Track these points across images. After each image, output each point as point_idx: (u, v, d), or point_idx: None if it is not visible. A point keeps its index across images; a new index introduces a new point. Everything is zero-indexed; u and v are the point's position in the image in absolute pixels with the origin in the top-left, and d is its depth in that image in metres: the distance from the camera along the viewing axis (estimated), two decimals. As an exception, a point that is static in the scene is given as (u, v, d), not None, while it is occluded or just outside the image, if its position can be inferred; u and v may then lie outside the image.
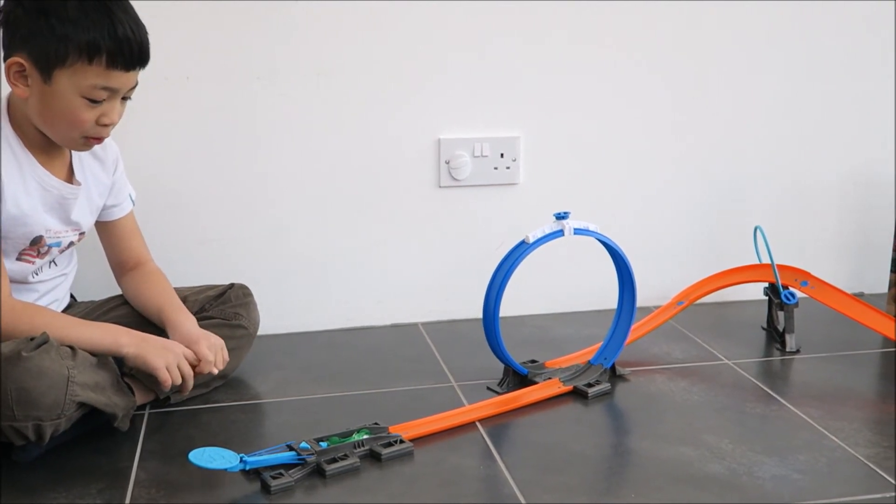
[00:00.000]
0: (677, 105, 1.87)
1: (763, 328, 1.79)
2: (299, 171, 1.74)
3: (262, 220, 1.75)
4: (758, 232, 1.71)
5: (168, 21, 1.58)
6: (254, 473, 1.22)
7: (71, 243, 1.42)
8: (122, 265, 1.53)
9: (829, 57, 1.90)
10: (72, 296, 1.53)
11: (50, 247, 1.38)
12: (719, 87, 1.87)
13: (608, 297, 1.68)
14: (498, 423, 1.40)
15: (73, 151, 1.39)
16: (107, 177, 1.45)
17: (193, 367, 1.37)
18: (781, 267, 1.69)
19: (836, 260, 2.00)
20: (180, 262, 1.67)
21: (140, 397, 1.39)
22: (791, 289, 1.68)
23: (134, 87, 1.31)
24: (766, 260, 1.70)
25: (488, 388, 1.52)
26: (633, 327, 1.60)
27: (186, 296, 1.51)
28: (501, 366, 1.52)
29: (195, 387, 1.40)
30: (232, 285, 1.56)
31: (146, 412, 1.42)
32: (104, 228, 1.51)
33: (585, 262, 1.82)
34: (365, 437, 1.30)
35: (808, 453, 1.30)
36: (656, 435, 1.36)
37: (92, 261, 1.56)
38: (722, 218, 1.93)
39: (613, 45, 1.81)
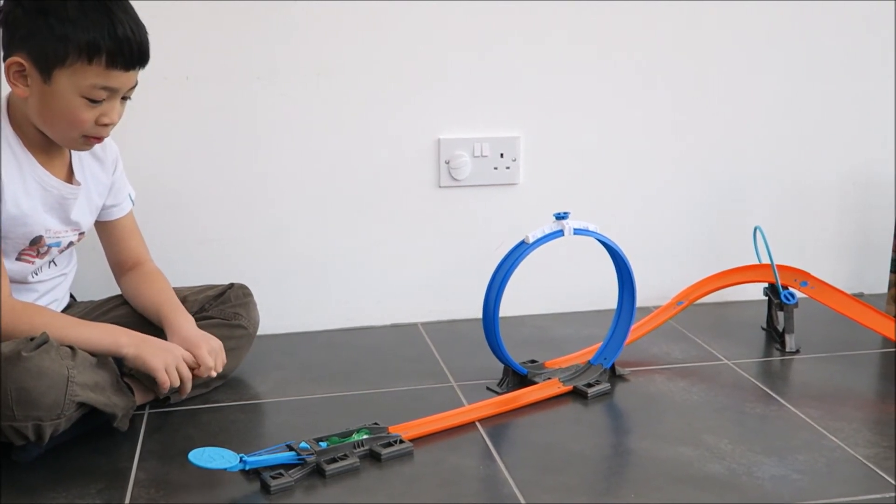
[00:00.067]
0: (677, 105, 1.86)
1: (763, 328, 1.79)
2: (299, 171, 1.74)
3: (262, 220, 1.75)
4: (757, 232, 1.71)
5: (168, 21, 1.58)
6: (253, 473, 1.22)
7: (70, 243, 1.42)
8: (121, 265, 1.53)
9: (829, 57, 1.90)
10: (71, 296, 1.53)
11: (49, 247, 1.38)
12: (719, 87, 1.87)
13: (608, 297, 1.68)
14: (498, 423, 1.40)
15: (72, 151, 1.39)
16: (106, 177, 1.45)
17: (192, 369, 1.37)
18: (781, 267, 1.69)
19: (835, 260, 2.00)
20: (180, 262, 1.67)
21: (139, 397, 1.39)
22: (791, 289, 1.68)
23: (134, 87, 1.31)
24: (765, 260, 1.70)
25: (488, 388, 1.52)
26: (632, 327, 1.60)
27: (186, 296, 1.51)
28: (501, 366, 1.52)
29: (194, 387, 1.40)
30: (232, 285, 1.56)
31: (146, 412, 1.42)
32: (104, 228, 1.51)
33: (585, 262, 1.82)
34: (365, 437, 1.30)
35: (808, 453, 1.30)
36: (656, 435, 1.36)
37: (92, 261, 1.56)
38: (722, 218, 1.93)
39: (613, 46, 1.81)
